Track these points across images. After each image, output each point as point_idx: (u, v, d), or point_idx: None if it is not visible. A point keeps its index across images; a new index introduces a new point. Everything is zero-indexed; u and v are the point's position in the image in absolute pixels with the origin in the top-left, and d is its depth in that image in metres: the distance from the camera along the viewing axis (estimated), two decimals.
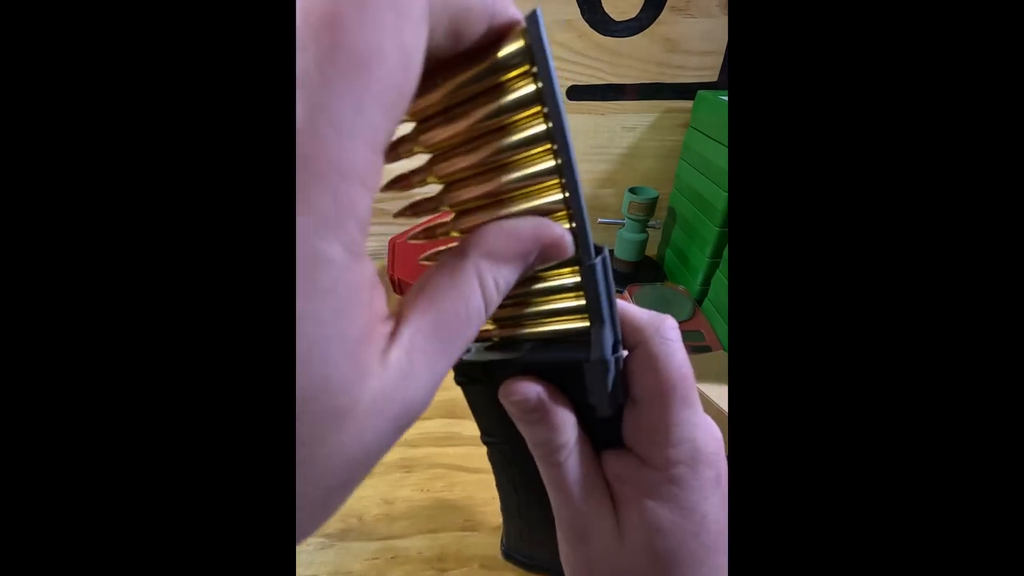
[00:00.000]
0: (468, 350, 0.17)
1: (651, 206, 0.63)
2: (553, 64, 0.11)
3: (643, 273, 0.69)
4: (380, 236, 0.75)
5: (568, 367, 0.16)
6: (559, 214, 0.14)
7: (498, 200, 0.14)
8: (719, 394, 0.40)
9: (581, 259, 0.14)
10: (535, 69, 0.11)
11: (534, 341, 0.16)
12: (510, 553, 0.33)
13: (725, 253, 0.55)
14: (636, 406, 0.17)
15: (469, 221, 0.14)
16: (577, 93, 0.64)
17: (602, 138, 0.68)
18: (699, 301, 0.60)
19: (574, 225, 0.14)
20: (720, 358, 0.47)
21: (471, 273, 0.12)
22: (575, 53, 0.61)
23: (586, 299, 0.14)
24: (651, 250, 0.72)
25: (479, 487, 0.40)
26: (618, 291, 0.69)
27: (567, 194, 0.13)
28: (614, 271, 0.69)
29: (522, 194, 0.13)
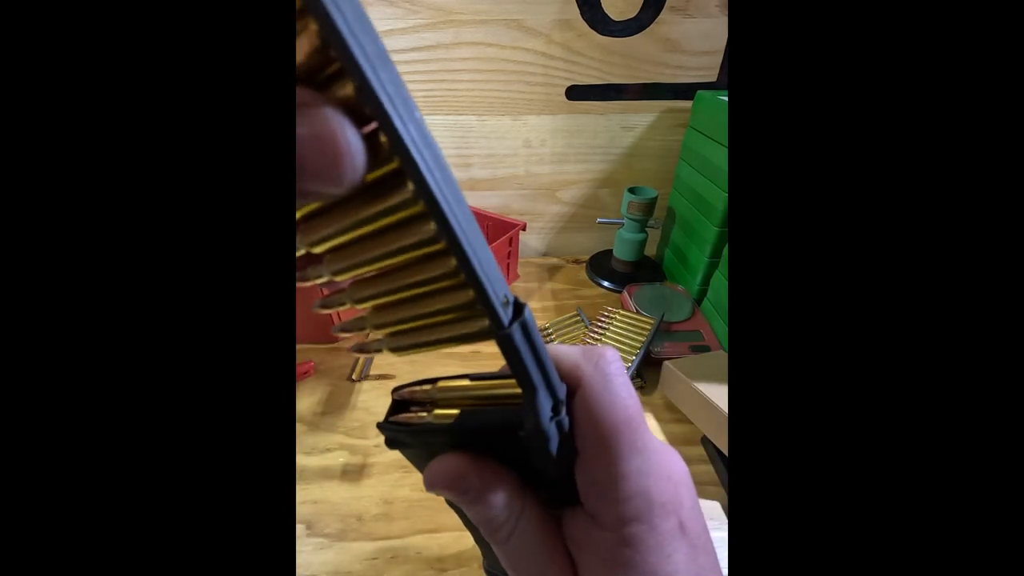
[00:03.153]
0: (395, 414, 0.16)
1: (650, 206, 0.63)
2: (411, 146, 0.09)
3: (642, 273, 0.69)
4: None
5: (502, 432, 0.14)
6: (454, 280, 0.12)
7: (385, 272, 0.12)
8: (719, 394, 0.40)
9: (492, 330, 0.12)
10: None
11: (465, 406, 0.15)
12: (492, 572, 0.33)
13: (724, 253, 0.55)
14: (581, 458, 0.15)
15: (362, 292, 0.13)
16: (576, 93, 0.64)
17: (601, 138, 0.68)
18: (698, 301, 0.60)
19: (473, 294, 0.12)
20: (719, 358, 0.47)
21: None
22: (574, 53, 0.61)
23: (511, 369, 0.13)
24: (650, 250, 0.72)
25: None
26: (617, 291, 0.69)
27: (455, 261, 0.11)
28: (614, 271, 0.70)
29: (408, 265, 0.12)
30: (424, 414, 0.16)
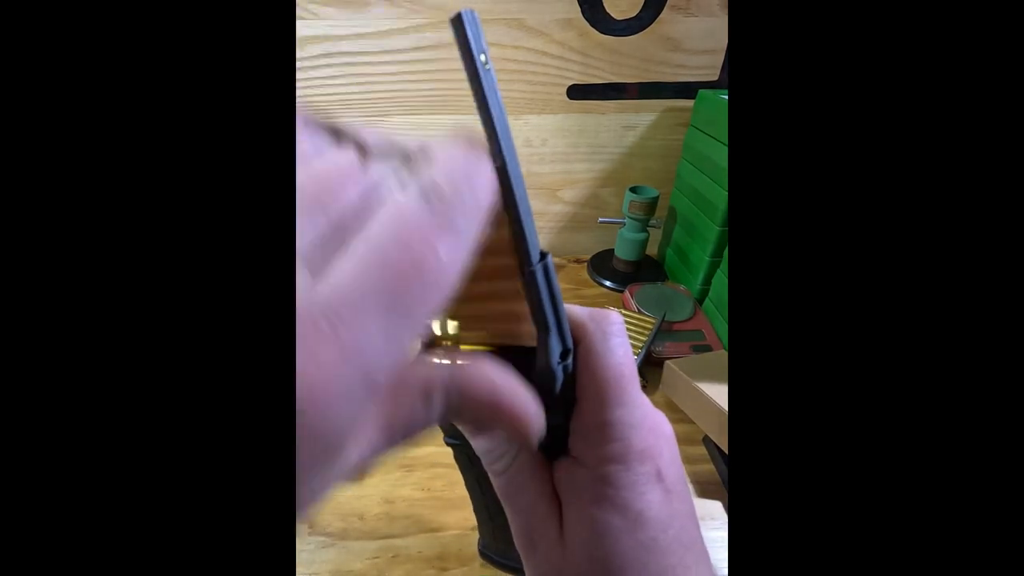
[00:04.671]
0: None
1: (652, 205, 0.63)
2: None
3: (644, 272, 0.69)
4: None
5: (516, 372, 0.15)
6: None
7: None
8: (720, 394, 0.40)
9: (521, 265, 0.13)
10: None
11: (485, 350, 0.16)
12: (486, 552, 0.33)
13: (726, 252, 0.54)
14: (575, 406, 0.16)
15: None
16: (577, 92, 0.64)
17: (603, 137, 0.68)
18: (700, 300, 0.60)
19: (513, 228, 0.13)
20: (721, 357, 0.47)
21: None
22: (575, 52, 0.61)
23: (529, 307, 0.14)
24: (652, 249, 0.72)
25: None
26: (619, 291, 0.69)
27: (503, 197, 0.12)
28: (616, 271, 0.70)
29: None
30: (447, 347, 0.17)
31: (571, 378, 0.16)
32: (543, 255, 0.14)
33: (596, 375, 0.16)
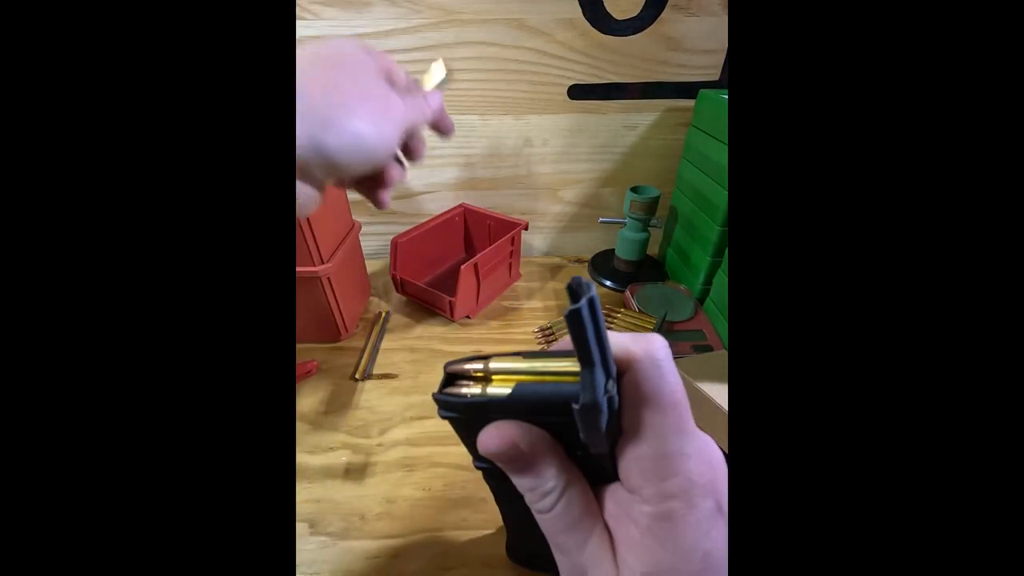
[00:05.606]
0: (451, 384, 0.17)
1: (653, 205, 0.63)
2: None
3: (644, 272, 0.69)
4: (383, 236, 0.75)
5: (556, 405, 0.15)
6: None
7: None
8: (721, 394, 0.40)
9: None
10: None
11: (521, 380, 0.16)
12: (515, 555, 0.33)
13: (727, 252, 0.54)
14: (626, 437, 0.15)
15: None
16: (578, 92, 0.64)
17: (604, 137, 0.68)
18: (700, 300, 0.60)
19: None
20: (721, 357, 0.47)
21: None
22: (576, 52, 0.61)
23: (574, 343, 0.14)
24: (652, 249, 0.72)
25: (480, 486, 0.40)
26: (619, 290, 0.69)
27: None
28: (616, 271, 0.69)
29: None
30: (477, 389, 0.17)
31: (616, 411, 0.15)
32: (586, 288, 0.14)
33: (652, 405, 0.15)
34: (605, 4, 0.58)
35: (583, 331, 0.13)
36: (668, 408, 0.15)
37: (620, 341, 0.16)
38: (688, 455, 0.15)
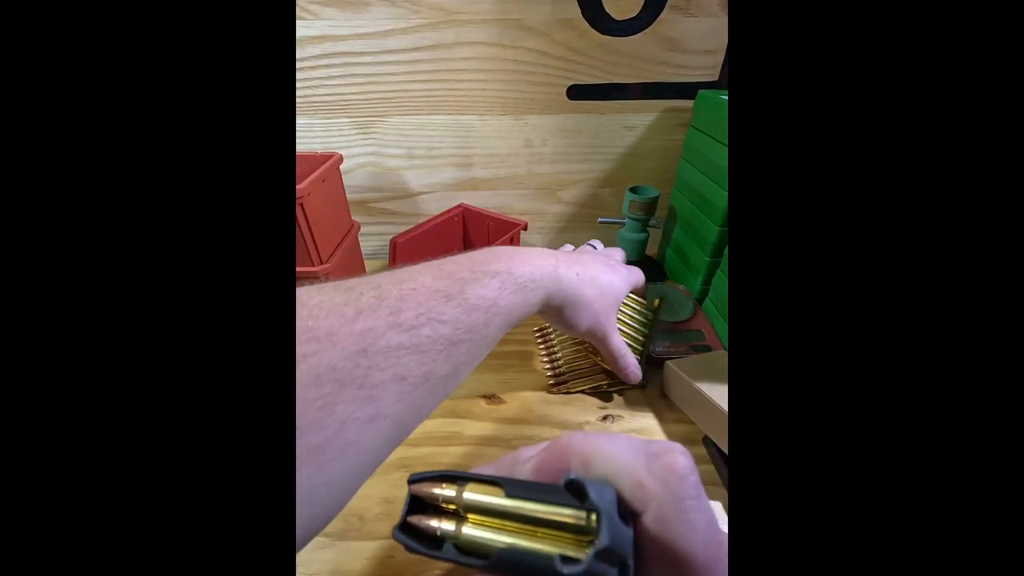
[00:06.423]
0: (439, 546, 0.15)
1: (652, 205, 0.63)
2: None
3: (644, 272, 0.69)
4: (382, 236, 0.75)
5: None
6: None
7: None
8: (720, 394, 0.40)
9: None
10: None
11: (502, 544, 0.14)
12: None
13: (726, 252, 0.54)
14: None
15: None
16: (577, 92, 0.64)
17: (603, 137, 0.68)
18: (700, 300, 0.60)
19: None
20: (721, 357, 0.47)
21: None
22: (576, 52, 0.61)
23: None
24: (652, 249, 0.72)
25: None
26: None
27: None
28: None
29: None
30: (450, 526, 0.14)
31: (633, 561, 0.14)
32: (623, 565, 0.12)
33: (678, 563, 0.12)
34: (604, 4, 0.58)
35: None
36: (699, 568, 0.12)
37: (631, 470, 0.13)
38: None
